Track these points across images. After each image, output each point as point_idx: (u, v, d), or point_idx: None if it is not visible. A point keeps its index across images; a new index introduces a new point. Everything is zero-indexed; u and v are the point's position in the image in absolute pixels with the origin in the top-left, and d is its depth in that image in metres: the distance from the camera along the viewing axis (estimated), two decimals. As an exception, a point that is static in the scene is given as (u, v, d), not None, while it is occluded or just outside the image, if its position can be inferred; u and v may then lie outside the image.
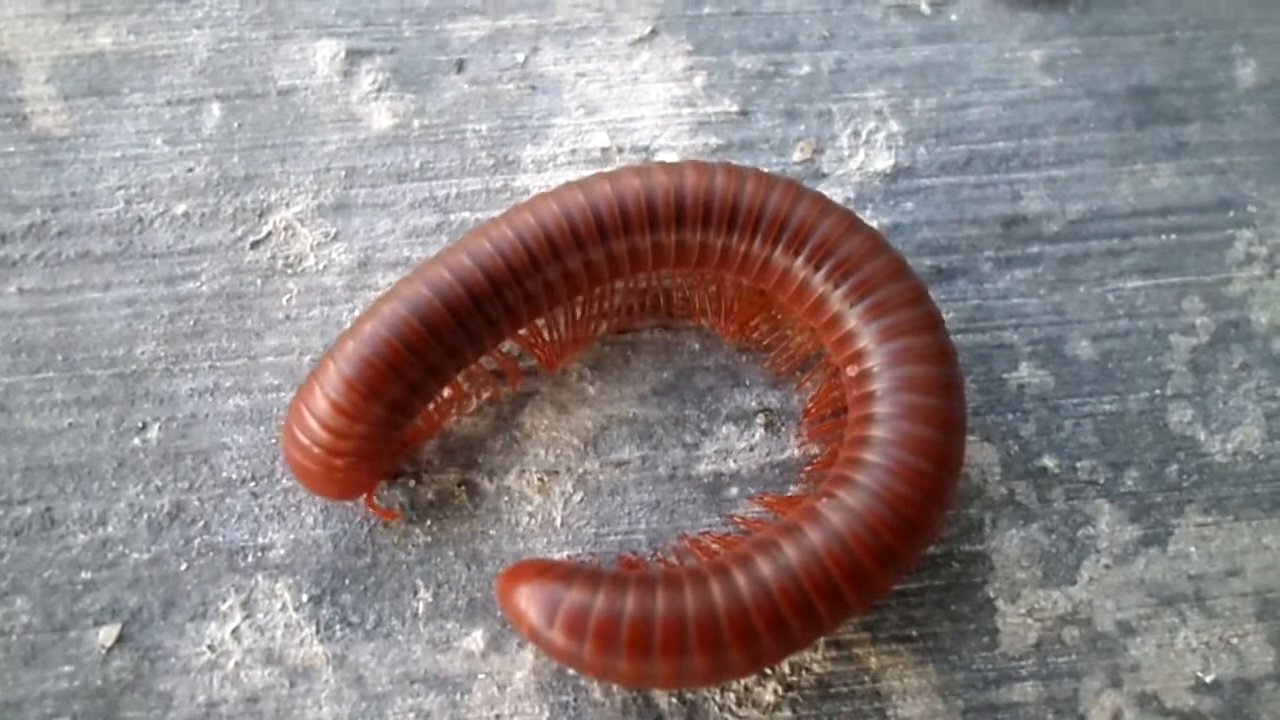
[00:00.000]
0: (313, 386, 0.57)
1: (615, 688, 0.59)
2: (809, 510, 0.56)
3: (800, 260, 0.60)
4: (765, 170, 0.62)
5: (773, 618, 0.52)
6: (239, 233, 0.67)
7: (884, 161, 0.71)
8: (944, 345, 0.59)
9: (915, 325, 0.58)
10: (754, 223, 0.60)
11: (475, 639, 0.60)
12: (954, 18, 0.76)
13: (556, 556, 0.61)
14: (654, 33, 0.74)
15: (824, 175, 0.70)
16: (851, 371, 0.59)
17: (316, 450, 0.57)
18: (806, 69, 0.74)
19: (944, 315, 0.66)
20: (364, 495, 0.61)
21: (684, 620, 0.52)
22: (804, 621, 0.53)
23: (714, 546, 0.58)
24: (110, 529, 0.61)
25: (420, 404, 0.59)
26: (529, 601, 0.54)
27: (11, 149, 0.70)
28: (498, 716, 0.58)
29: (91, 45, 0.72)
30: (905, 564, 0.55)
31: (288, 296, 0.66)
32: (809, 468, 0.62)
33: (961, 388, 0.58)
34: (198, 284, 0.66)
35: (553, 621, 0.53)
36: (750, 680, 0.59)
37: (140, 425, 0.63)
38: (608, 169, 0.70)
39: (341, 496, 0.60)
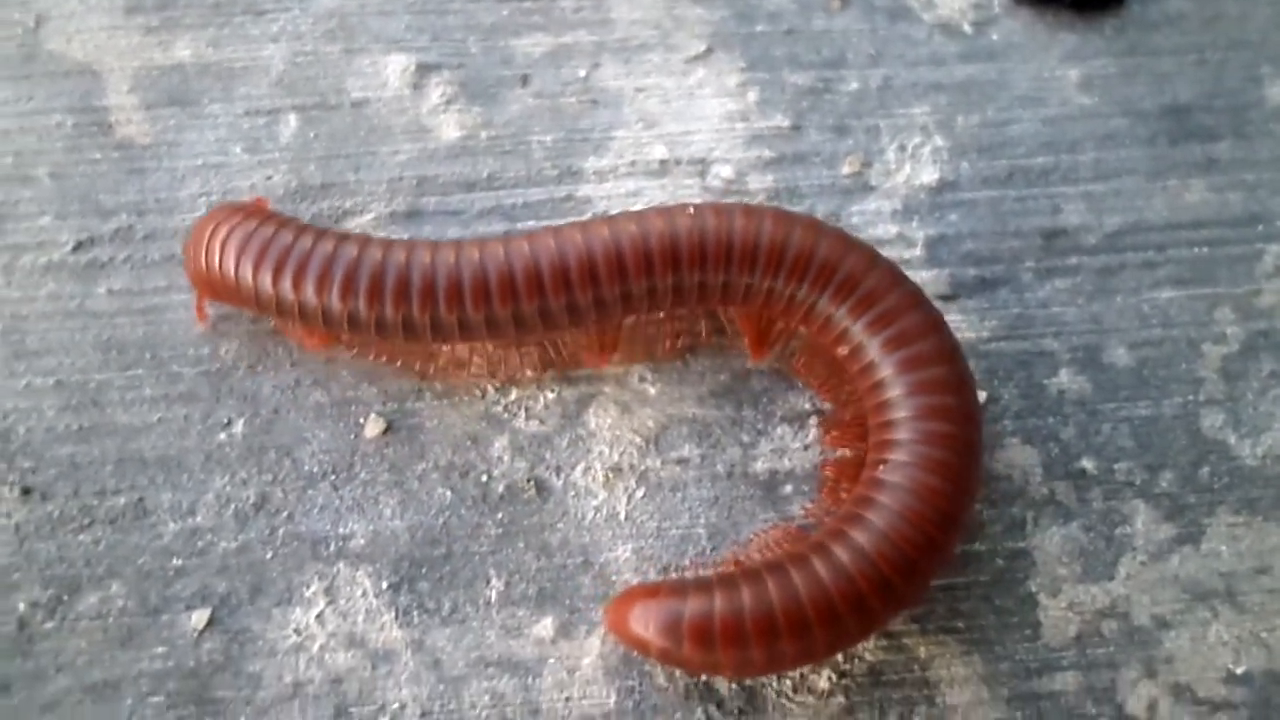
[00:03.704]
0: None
1: (678, 673, 0.62)
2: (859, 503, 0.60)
3: (824, 296, 0.63)
4: (783, 208, 0.66)
5: (855, 600, 0.56)
6: (316, 238, 0.71)
7: (929, 175, 0.74)
8: (961, 374, 0.62)
9: (932, 356, 0.62)
10: (776, 262, 0.63)
11: (545, 625, 0.63)
12: (995, 37, 0.79)
13: (620, 550, 0.65)
14: (709, 50, 0.78)
15: (872, 188, 0.74)
16: (871, 401, 0.63)
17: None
18: (855, 85, 0.77)
19: (987, 323, 0.71)
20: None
21: (800, 599, 0.56)
22: (878, 601, 0.57)
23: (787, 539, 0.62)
24: (199, 519, 0.65)
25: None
26: (649, 625, 0.57)
27: (98, 156, 0.73)
28: (567, 699, 0.62)
29: (171, 57, 0.76)
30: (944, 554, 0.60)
31: (363, 299, 0.69)
32: (827, 471, 0.66)
33: (977, 413, 0.62)
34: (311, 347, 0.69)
35: (680, 636, 0.56)
36: (805, 668, 0.62)
37: (226, 421, 0.67)
38: (663, 178, 0.73)
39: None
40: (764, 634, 0.56)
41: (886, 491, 0.60)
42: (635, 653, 0.61)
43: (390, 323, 0.63)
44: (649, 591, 0.59)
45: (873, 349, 0.62)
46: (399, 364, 0.67)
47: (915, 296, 0.64)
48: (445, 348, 0.66)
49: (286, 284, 0.63)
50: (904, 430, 0.61)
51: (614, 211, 0.72)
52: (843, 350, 0.64)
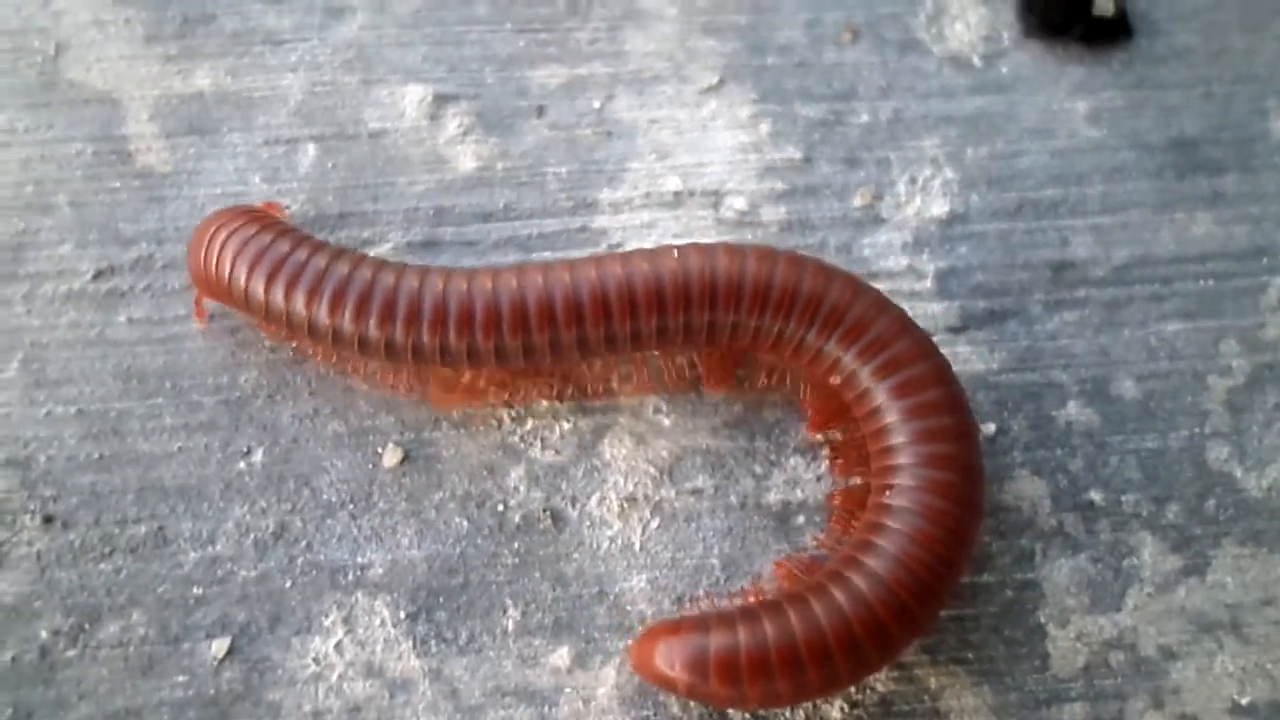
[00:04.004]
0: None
1: (693, 704, 0.63)
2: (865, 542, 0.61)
3: (831, 341, 0.64)
4: (765, 245, 0.68)
5: (874, 626, 0.58)
6: (334, 268, 0.72)
7: (939, 208, 0.75)
8: (955, 395, 0.64)
9: (939, 403, 0.63)
10: (788, 306, 0.64)
11: (561, 655, 0.64)
12: (1004, 70, 0.80)
13: (635, 580, 0.66)
14: (721, 82, 0.78)
15: (883, 220, 0.75)
16: (869, 428, 0.64)
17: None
18: (865, 118, 0.78)
19: (996, 355, 0.72)
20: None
21: (822, 629, 0.57)
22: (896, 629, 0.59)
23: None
24: (219, 547, 0.65)
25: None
26: (675, 662, 0.58)
27: (117, 184, 0.74)
28: (583, 728, 0.63)
29: (191, 86, 0.77)
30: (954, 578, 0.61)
31: (381, 329, 0.70)
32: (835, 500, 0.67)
33: (974, 431, 0.63)
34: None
35: (706, 672, 0.57)
36: (819, 700, 0.63)
37: (245, 449, 0.67)
38: (677, 210, 0.74)
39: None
40: (789, 665, 0.57)
41: (894, 516, 0.61)
42: (662, 691, 0.61)
43: (374, 342, 0.64)
44: (671, 629, 0.59)
45: (865, 376, 0.63)
46: (394, 386, 0.68)
47: (903, 322, 0.65)
48: (461, 374, 0.67)
49: (278, 293, 0.64)
50: (904, 455, 0.62)
51: (629, 244, 0.73)
52: (835, 380, 0.64)
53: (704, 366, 0.68)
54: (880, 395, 0.63)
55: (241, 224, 0.66)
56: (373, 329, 0.63)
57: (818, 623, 0.57)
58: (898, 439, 0.62)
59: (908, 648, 0.62)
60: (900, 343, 0.63)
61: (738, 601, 0.62)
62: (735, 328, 0.65)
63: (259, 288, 0.64)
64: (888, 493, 0.62)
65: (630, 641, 0.63)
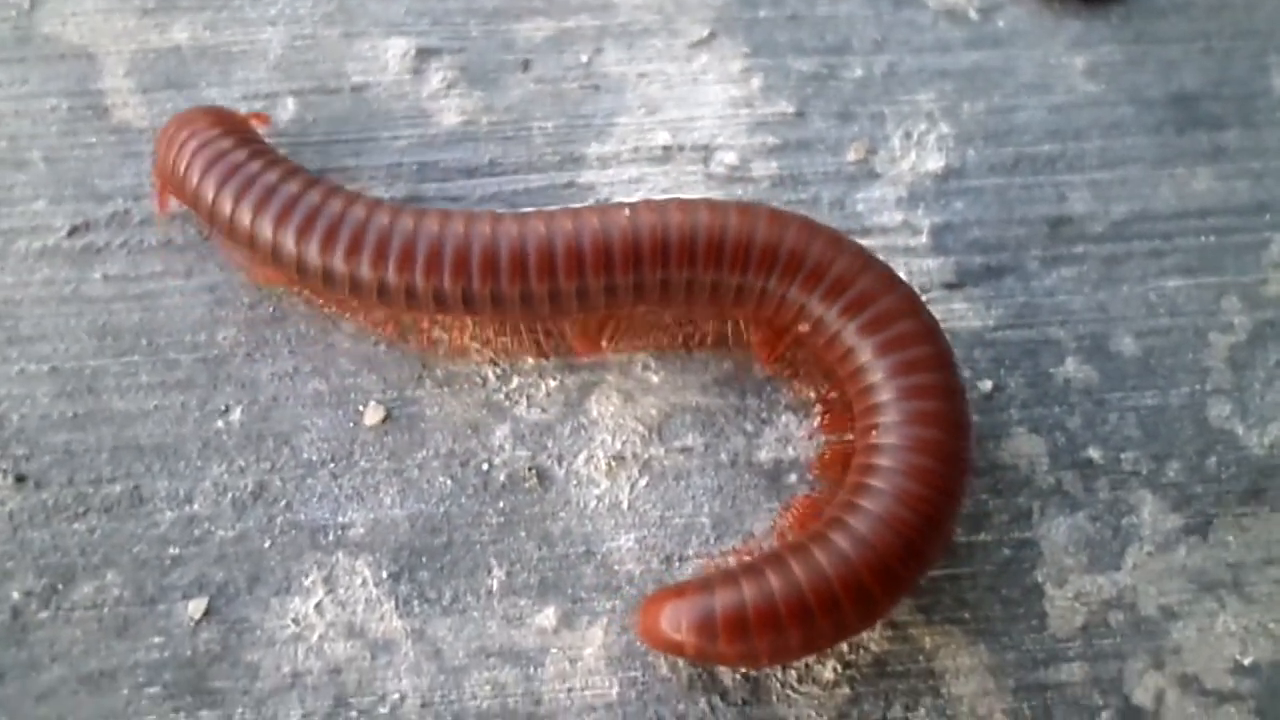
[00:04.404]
0: None
1: (681, 663, 0.61)
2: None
3: (815, 297, 0.62)
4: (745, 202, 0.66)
5: (881, 569, 0.57)
6: (315, 224, 0.70)
7: (935, 163, 0.74)
8: (942, 352, 0.62)
9: (925, 361, 0.61)
10: (769, 263, 0.62)
11: (547, 615, 0.62)
12: (1001, 24, 0.78)
13: (622, 539, 0.64)
14: (712, 35, 0.77)
15: (877, 175, 0.73)
16: (861, 404, 0.62)
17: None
18: (859, 72, 0.76)
19: (993, 311, 0.70)
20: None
21: (828, 576, 0.56)
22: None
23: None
24: (196, 507, 0.64)
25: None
26: (682, 625, 0.56)
27: (93, 140, 0.72)
28: (569, 690, 0.61)
29: (168, 40, 0.75)
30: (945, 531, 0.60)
31: (363, 286, 0.69)
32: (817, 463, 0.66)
33: (966, 419, 0.62)
34: (269, 285, 0.69)
35: (715, 632, 0.56)
36: (810, 658, 0.62)
37: (223, 408, 0.66)
38: (666, 165, 0.73)
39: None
40: (797, 615, 0.56)
41: (886, 455, 0.60)
42: (669, 654, 0.60)
43: (340, 277, 0.63)
44: (675, 592, 0.58)
45: (849, 334, 0.62)
46: (360, 317, 0.67)
47: (886, 277, 0.63)
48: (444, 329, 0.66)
49: (245, 213, 0.64)
50: (890, 412, 0.60)
51: (617, 199, 0.71)
52: (820, 339, 0.63)
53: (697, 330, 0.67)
54: (865, 353, 0.61)
55: (215, 135, 0.66)
56: (359, 266, 0.62)
57: (822, 569, 0.56)
58: (882, 396, 0.61)
59: (914, 586, 0.60)
60: (885, 299, 0.62)
61: (732, 560, 0.60)
62: (716, 285, 0.63)
63: (225, 207, 0.64)
64: (874, 432, 0.60)
65: (634, 611, 0.61)
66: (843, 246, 0.63)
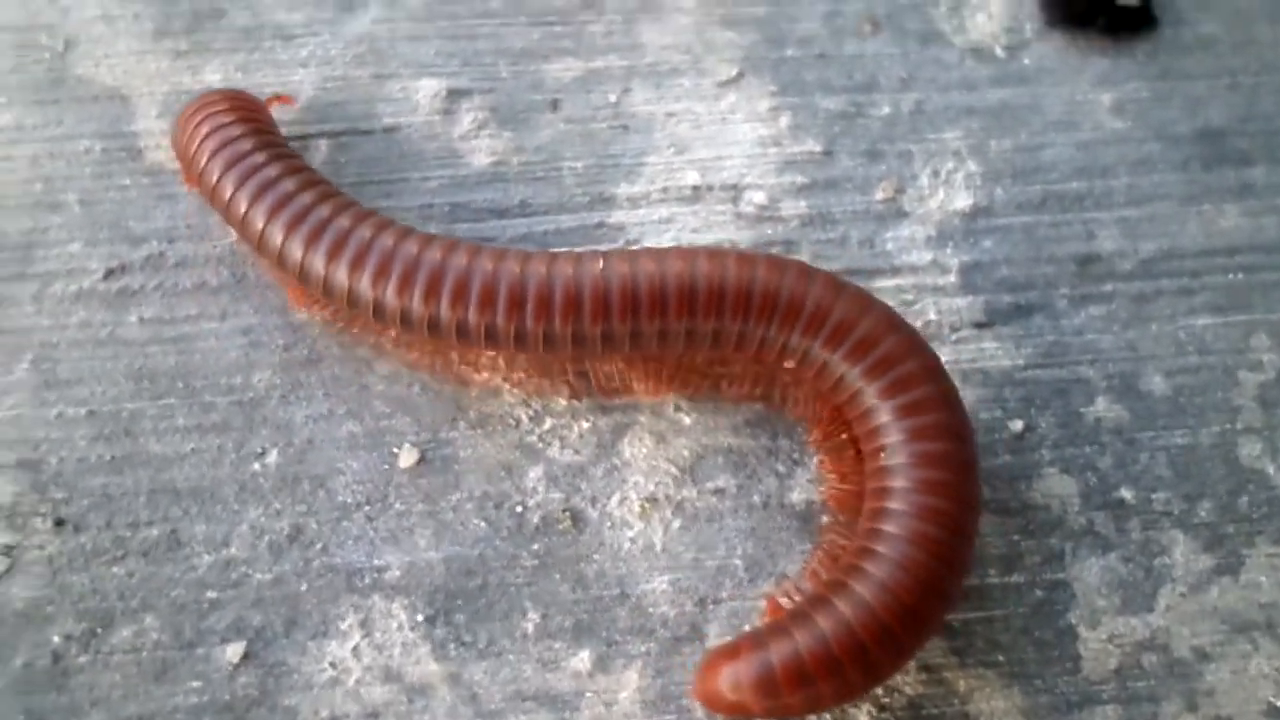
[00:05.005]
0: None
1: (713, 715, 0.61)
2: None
3: (816, 344, 0.63)
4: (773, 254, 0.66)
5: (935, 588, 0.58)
6: (348, 265, 0.70)
7: (963, 201, 0.74)
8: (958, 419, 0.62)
9: (933, 403, 0.61)
10: (769, 309, 0.62)
11: (582, 659, 0.63)
12: (1027, 61, 0.79)
13: (656, 581, 0.64)
14: (740, 74, 0.77)
15: (906, 214, 0.73)
16: (870, 446, 0.62)
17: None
18: (887, 110, 0.77)
19: (1022, 350, 0.70)
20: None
21: (875, 611, 0.56)
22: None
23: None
24: (233, 550, 0.64)
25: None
26: (743, 686, 0.56)
27: (127, 181, 0.73)
28: (605, 733, 0.61)
29: (201, 82, 0.75)
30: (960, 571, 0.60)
31: (396, 327, 0.69)
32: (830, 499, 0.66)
33: (974, 465, 0.61)
34: (310, 313, 0.69)
35: (777, 687, 0.56)
36: (846, 705, 0.62)
37: (259, 451, 0.66)
38: (695, 204, 0.73)
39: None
40: (852, 653, 0.56)
41: (898, 499, 0.60)
42: (734, 715, 0.59)
43: (354, 296, 0.64)
44: (729, 653, 0.58)
45: (855, 378, 0.62)
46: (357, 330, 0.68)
47: (891, 320, 0.63)
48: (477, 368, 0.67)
49: (258, 216, 0.65)
50: (899, 455, 0.60)
51: (647, 239, 0.72)
52: (825, 385, 0.63)
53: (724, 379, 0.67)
54: (871, 396, 0.61)
55: (236, 133, 0.67)
56: (359, 283, 0.64)
57: (868, 605, 0.56)
58: (891, 438, 0.61)
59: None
60: (889, 341, 0.62)
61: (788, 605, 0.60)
62: (718, 334, 0.63)
63: (240, 207, 0.66)
64: (884, 492, 0.61)
65: (691, 678, 0.60)
66: (842, 290, 0.63)
